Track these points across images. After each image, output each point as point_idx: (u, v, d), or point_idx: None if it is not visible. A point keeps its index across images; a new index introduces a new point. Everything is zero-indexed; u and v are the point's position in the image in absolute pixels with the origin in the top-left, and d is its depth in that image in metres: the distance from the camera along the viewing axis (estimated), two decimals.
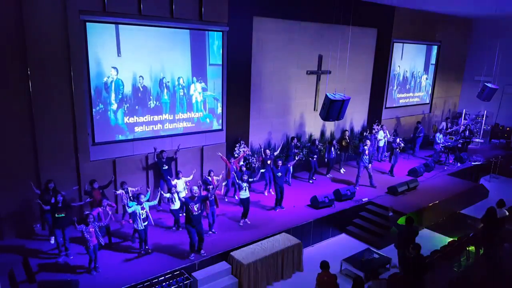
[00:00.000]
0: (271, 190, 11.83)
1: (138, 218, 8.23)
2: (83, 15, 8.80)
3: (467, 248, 9.40)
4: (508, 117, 18.94)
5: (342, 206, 11.16)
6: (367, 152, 12.36)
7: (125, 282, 7.38)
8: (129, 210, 8.25)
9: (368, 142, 13.21)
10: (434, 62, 18.54)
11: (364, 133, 15.42)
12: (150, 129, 10.46)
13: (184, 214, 8.40)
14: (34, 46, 8.32)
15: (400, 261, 8.71)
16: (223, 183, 10.95)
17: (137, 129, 10.23)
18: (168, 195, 9.25)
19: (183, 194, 9.51)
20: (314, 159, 12.91)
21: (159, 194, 9.50)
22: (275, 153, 11.86)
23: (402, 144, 14.21)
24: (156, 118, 10.47)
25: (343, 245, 10.41)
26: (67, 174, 9.25)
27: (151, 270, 7.82)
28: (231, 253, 8.53)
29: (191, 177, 10.13)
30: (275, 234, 9.37)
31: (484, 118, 17.97)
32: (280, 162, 10.57)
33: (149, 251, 8.52)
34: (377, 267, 9.01)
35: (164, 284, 7.51)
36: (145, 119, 10.29)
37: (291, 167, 12.10)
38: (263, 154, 11.59)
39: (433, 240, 10.55)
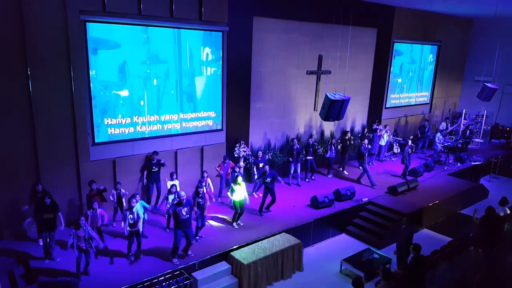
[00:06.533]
0: (258, 192, 11.57)
1: (125, 222, 7.94)
2: (83, 15, 8.80)
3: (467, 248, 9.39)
4: (508, 117, 18.95)
5: (342, 206, 11.16)
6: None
7: (125, 282, 7.37)
8: (146, 216, 8.28)
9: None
10: (434, 62, 18.54)
11: (366, 132, 15.35)
12: (150, 129, 10.44)
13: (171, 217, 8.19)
14: (34, 46, 8.32)
15: (399, 261, 8.68)
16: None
17: (137, 128, 10.22)
18: (171, 197, 8.97)
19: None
20: (311, 158, 12.86)
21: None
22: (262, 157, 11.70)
23: (414, 145, 14.19)
24: (155, 118, 10.46)
25: (343, 245, 10.41)
26: (67, 174, 9.26)
27: (151, 270, 7.81)
28: (231, 253, 8.53)
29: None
30: (275, 234, 9.37)
31: (484, 118, 17.95)
32: (267, 167, 10.27)
33: (139, 256, 8.21)
34: (377, 267, 8.99)
35: (164, 284, 7.50)
36: (145, 119, 10.29)
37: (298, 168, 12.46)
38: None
39: (433, 240, 10.55)
